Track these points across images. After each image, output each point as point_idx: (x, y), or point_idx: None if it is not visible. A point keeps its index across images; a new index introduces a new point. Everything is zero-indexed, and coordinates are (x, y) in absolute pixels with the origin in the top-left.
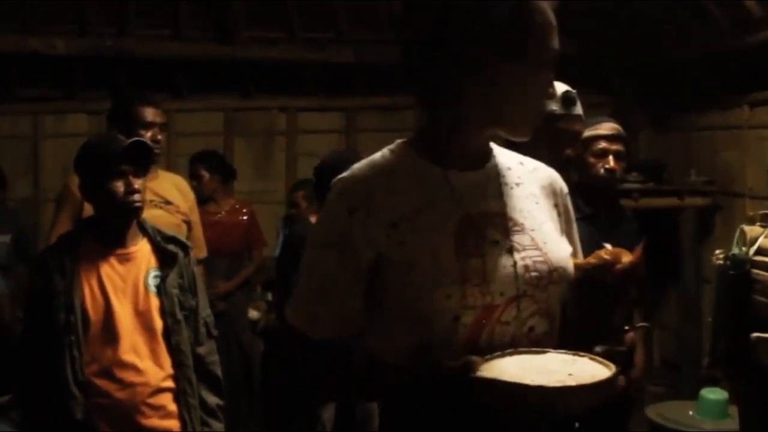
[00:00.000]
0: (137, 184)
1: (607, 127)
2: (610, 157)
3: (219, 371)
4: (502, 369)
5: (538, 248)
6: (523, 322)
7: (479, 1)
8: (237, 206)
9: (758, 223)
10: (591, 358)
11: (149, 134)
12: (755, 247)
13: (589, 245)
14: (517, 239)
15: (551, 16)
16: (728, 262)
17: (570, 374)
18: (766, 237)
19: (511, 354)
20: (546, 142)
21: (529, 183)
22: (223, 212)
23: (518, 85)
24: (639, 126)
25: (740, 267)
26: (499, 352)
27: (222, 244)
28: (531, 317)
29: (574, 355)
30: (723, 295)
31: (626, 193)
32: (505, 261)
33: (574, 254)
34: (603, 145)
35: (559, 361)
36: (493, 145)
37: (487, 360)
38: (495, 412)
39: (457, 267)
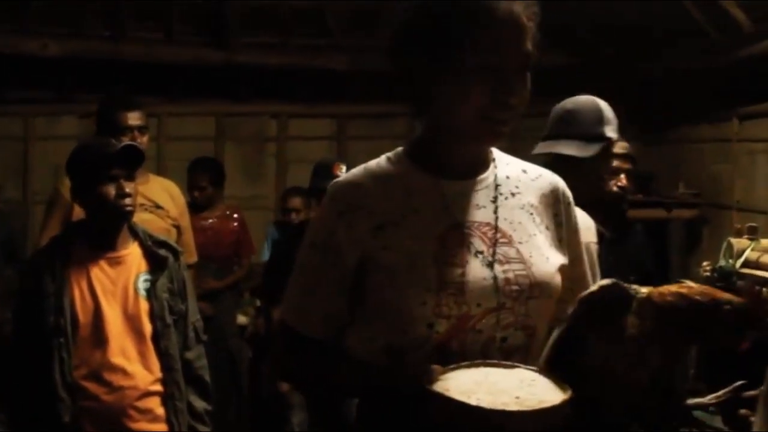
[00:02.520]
0: (129, 188)
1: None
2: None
3: (207, 376)
4: (455, 382)
5: (522, 261)
6: (498, 333)
7: (424, 9)
8: (228, 212)
9: (745, 236)
10: (554, 380)
11: (127, 138)
12: (742, 259)
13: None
14: (502, 251)
15: (505, 26)
16: (715, 274)
17: (517, 397)
18: (753, 250)
19: (477, 366)
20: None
21: (527, 193)
22: (213, 218)
23: (452, 93)
24: (629, 137)
25: (727, 279)
26: (466, 363)
27: (212, 250)
28: (507, 329)
29: (540, 373)
30: None
31: None
32: (486, 272)
33: (575, 263)
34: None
35: (518, 379)
36: (497, 153)
37: (449, 370)
38: (442, 425)
39: (434, 275)
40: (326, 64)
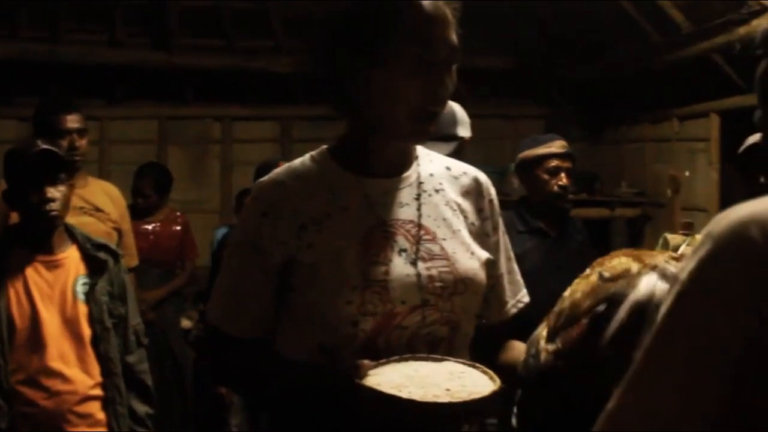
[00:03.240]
0: (53, 192)
1: (558, 145)
2: (563, 174)
3: (149, 380)
4: (386, 377)
5: (446, 258)
6: (423, 329)
7: (348, 10)
8: (171, 216)
9: (680, 232)
10: (483, 371)
11: (66, 142)
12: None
13: (536, 256)
14: (426, 248)
15: (428, 18)
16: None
17: (448, 389)
18: (688, 245)
19: (406, 360)
20: None
21: (450, 189)
22: (157, 222)
23: (384, 89)
24: (573, 138)
25: None
26: (396, 357)
27: (155, 254)
28: (432, 325)
29: (469, 366)
30: None
31: None
32: (409, 270)
33: (499, 258)
34: (556, 162)
35: (448, 372)
36: (422, 150)
37: (379, 365)
38: (373, 419)
39: (358, 273)
40: (270, 67)
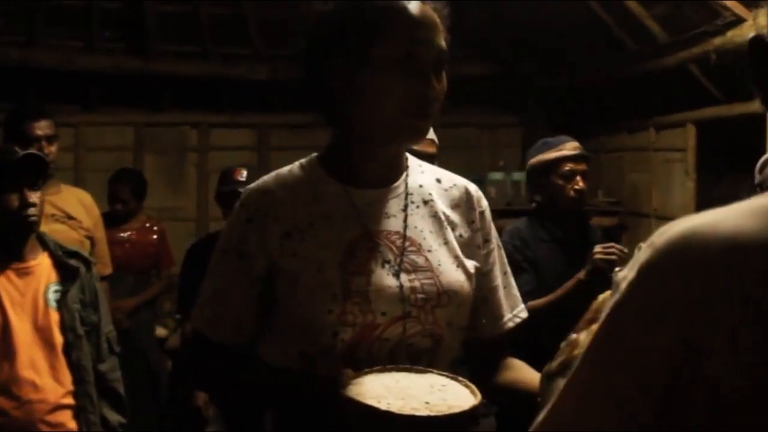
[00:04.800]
0: (33, 197)
1: (570, 147)
2: (578, 178)
3: (122, 388)
4: (367, 387)
5: (430, 270)
6: (405, 340)
7: (335, 13)
8: (147, 225)
9: None
10: (465, 385)
11: (35, 149)
12: None
13: (559, 267)
14: (410, 260)
15: (416, 20)
16: None
17: (427, 402)
18: None
19: (389, 371)
20: None
21: (439, 201)
22: (132, 230)
23: (373, 92)
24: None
25: None
26: (378, 367)
27: (130, 262)
28: (413, 337)
29: (451, 379)
30: None
31: None
32: (392, 281)
33: (493, 269)
34: (570, 166)
35: (429, 384)
36: (413, 161)
37: (361, 374)
38: (352, 429)
39: (339, 283)
40: (247, 74)
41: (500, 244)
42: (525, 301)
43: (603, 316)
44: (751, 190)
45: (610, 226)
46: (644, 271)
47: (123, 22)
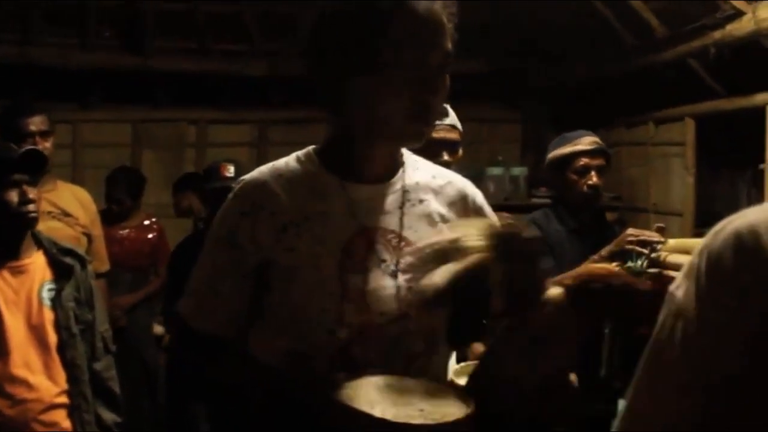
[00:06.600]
0: (32, 194)
1: (587, 142)
2: (593, 173)
3: (117, 387)
4: (360, 392)
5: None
6: (401, 341)
7: (342, 13)
8: (146, 223)
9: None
10: (459, 393)
11: (29, 144)
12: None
13: (576, 258)
14: (406, 260)
15: (425, 24)
16: None
17: (421, 410)
18: (660, 249)
19: (382, 375)
20: (423, 152)
21: (435, 200)
22: (131, 228)
23: (377, 94)
24: (547, 142)
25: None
26: (371, 371)
27: (128, 259)
28: (409, 337)
29: (446, 387)
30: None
31: (534, 208)
32: (389, 282)
33: None
34: (584, 161)
35: (423, 391)
36: (409, 156)
37: (354, 378)
38: None
39: (337, 282)
40: (245, 70)
41: None
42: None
43: (658, 328)
44: (750, 183)
45: (610, 221)
46: (704, 275)
47: (120, 19)
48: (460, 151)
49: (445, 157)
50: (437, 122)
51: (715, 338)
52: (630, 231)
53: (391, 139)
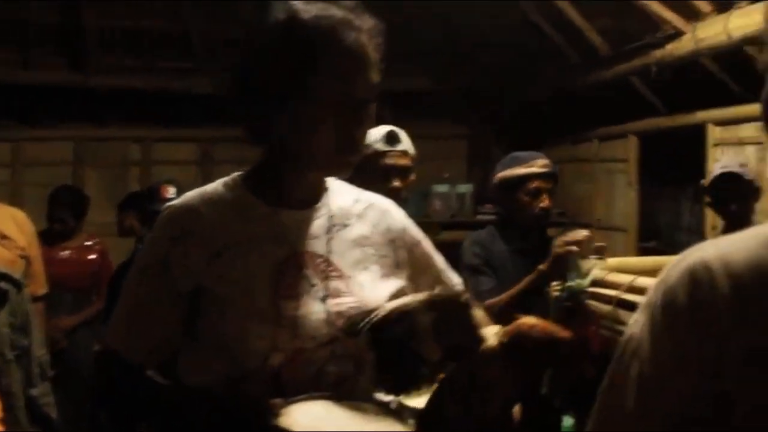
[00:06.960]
0: None
1: (540, 164)
2: (544, 196)
3: (54, 413)
4: (298, 417)
5: (353, 295)
6: (330, 366)
7: (269, 43)
8: (88, 243)
9: (592, 256)
10: (397, 415)
11: None
12: (590, 278)
13: (519, 275)
14: (334, 285)
15: (350, 57)
16: (564, 294)
17: None
18: (599, 269)
19: (317, 400)
20: (374, 177)
21: (359, 223)
22: (72, 249)
23: (310, 123)
24: (494, 158)
25: (575, 298)
26: (306, 396)
27: (69, 280)
28: (338, 362)
29: (384, 411)
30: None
31: (480, 225)
32: (318, 306)
33: (426, 270)
34: (537, 183)
35: (361, 416)
36: (333, 182)
37: (290, 403)
38: None
39: (270, 308)
40: (190, 88)
41: (427, 239)
42: (484, 299)
43: (616, 356)
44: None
45: (553, 237)
46: (659, 311)
47: (62, 36)
48: (413, 176)
49: (395, 183)
50: (389, 148)
51: (669, 374)
52: (558, 241)
53: (317, 169)
